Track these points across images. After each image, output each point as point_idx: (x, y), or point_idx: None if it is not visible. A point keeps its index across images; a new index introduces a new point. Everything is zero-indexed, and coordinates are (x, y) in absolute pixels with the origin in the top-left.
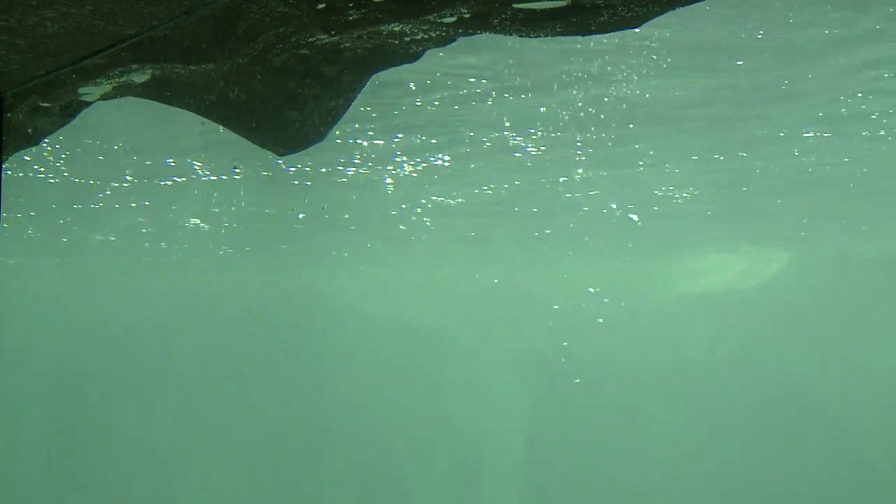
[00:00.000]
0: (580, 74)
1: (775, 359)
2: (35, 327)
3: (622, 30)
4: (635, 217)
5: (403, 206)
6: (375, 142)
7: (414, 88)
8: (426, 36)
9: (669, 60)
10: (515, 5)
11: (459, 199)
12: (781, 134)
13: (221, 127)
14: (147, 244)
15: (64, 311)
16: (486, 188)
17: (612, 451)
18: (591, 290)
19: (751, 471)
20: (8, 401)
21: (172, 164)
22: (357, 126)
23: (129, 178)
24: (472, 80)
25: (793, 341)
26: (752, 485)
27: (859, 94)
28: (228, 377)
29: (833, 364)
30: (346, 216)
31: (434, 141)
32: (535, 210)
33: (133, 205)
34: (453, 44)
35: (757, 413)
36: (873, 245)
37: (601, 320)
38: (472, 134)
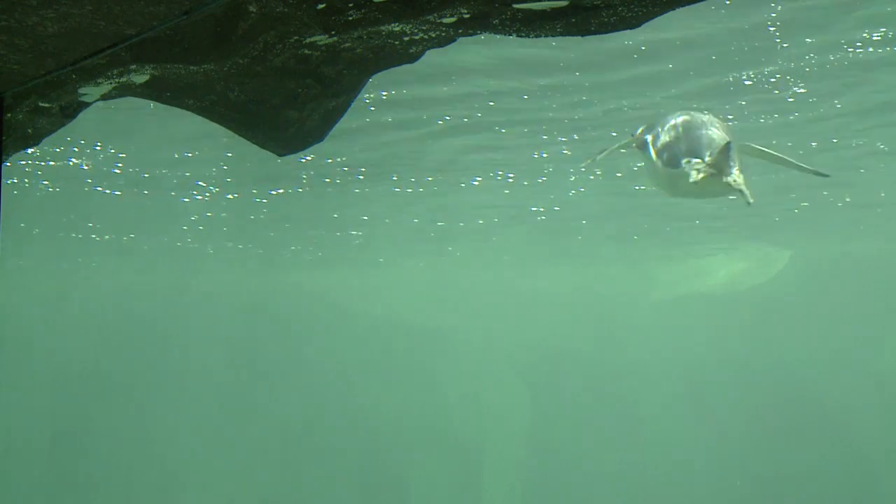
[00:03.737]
0: None
1: (776, 359)
2: (35, 327)
3: (622, 30)
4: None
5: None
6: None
7: None
8: (426, 36)
9: None
10: (515, 5)
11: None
12: None
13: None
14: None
15: (64, 310)
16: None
17: (612, 452)
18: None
19: (752, 471)
20: (7, 400)
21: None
22: None
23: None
24: None
25: (794, 341)
26: (753, 485)
27: None
28: (228, 377)
29: (834, 364)
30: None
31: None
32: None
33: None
34: None
35: (758, 413)
36: (873, 244)
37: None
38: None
